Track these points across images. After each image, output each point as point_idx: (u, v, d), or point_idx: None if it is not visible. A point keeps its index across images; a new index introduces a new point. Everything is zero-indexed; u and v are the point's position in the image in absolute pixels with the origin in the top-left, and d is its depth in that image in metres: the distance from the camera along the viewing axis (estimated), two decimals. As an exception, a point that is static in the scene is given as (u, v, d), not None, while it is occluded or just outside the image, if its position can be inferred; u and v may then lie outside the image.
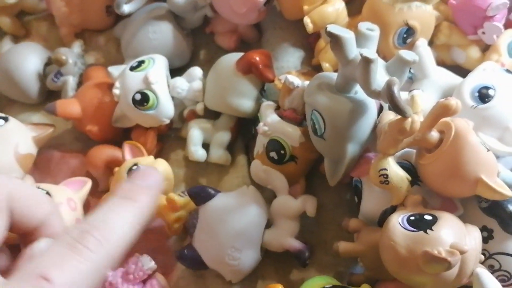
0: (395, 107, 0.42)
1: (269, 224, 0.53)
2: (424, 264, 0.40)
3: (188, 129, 0.60)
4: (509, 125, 0.48)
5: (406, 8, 0.54)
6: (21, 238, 0.38)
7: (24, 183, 0.38)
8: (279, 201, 0.53)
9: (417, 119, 0.43)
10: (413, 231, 0.42)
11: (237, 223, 0.51)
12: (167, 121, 0.60)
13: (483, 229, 0.46)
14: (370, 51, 0.44)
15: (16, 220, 0.35)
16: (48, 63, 0.66)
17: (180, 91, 0.60)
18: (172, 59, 0.63)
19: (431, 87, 0.53)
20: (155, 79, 0.57)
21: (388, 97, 0.41)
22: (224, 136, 0.59)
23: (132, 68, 0.59)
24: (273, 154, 0.53)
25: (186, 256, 0.53)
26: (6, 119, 0.58)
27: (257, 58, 0.56)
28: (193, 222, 0.53)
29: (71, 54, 0.66)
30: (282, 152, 0.53)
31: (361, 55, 0.43)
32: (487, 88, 0.49)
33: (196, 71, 0.61)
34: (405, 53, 0.45)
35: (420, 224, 0.42)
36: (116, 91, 0.59)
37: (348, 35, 0.45)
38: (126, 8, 0.64)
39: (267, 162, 0.54)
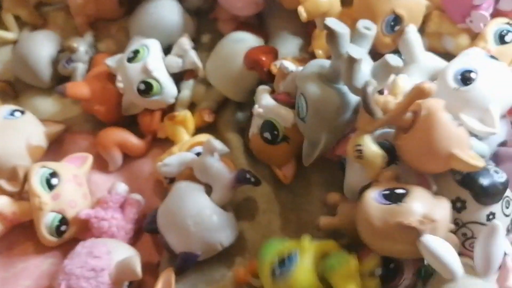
0: (366, 107, 0.45)
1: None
2: (398, 234, 0.43)
3: (181, 88, 0.65)
4: (489, 107, 0.50)
5: (394, -3, 0.55)
6: None
7: None
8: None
9: (392, 99, 0.46)
10: (387, 204, 0.44)
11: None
12: (173, 101, 0.64)
13: (456, 200, 0.48)
14: (357, 50, 0.46)
15: None
16: (62, 50, 0.70)
17: (175, 65, 0.64)
18: (175, 37, 0.66)
19: (419, 71, 0.56)
20: (154, 66, 0.62)
21: (362, 97, 0.45)
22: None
23: (130, 60, 0.63)
24: (266, 135, 0.56)
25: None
26: (23, 112, 0.64)
27: (263, 59, 0.60)
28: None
29: (83, 43, 0.70)
30: (275, 132, 0.56)
31: (346, 53, 0.45)
32: (470, 71, 0.51)
33: (184, 41, 0.64)
34: (391, 58, 0.47)
35: (392, 197, 0.44)
36: (120, 84, 0.63)
37: (343, 31, 0.47)
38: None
39: (261, 142, 0.57)
